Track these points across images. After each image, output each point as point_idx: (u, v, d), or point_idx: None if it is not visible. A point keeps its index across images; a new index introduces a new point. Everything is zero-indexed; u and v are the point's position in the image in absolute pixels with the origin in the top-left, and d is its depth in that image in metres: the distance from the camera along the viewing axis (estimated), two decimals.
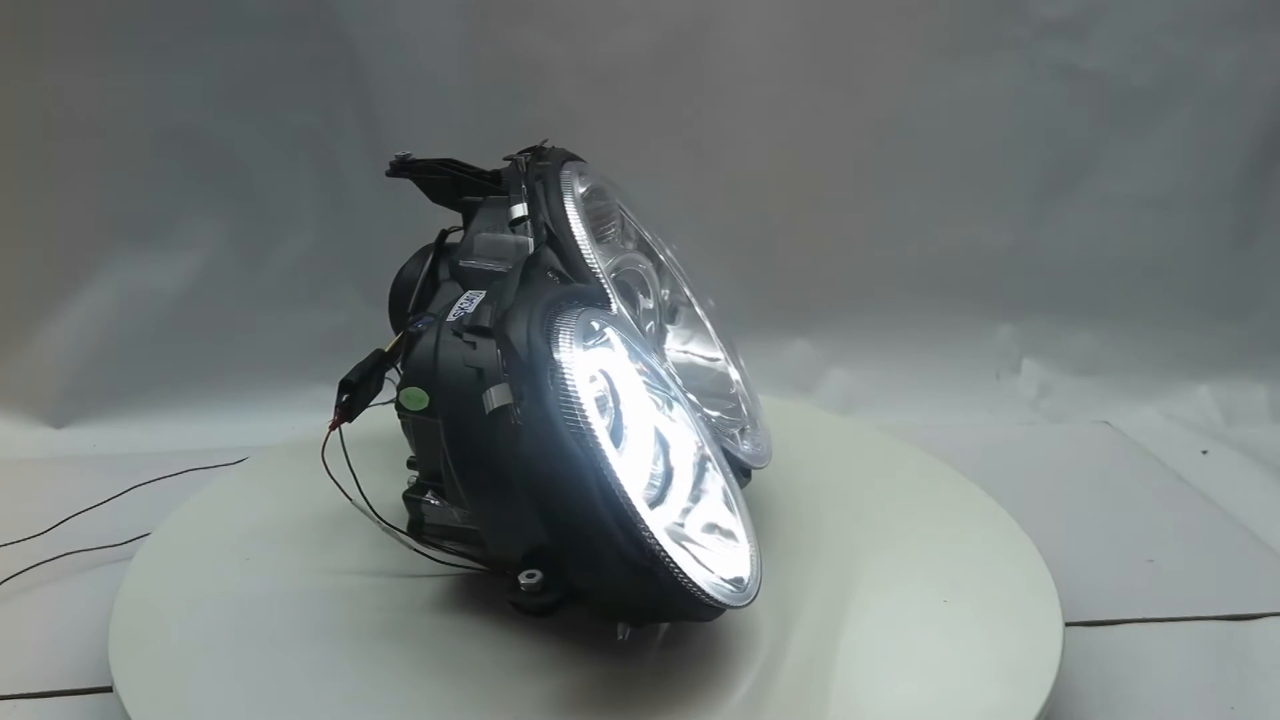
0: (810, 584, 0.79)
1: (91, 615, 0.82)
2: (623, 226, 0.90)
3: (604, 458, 0.61)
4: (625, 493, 0.61)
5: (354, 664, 0.71)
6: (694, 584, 0.62)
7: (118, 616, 0.75)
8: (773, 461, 0.87)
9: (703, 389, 0.89)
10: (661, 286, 0.92)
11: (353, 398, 0.72)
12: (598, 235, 0.87)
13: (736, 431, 0.85)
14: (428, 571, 0.79)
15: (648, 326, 0.89)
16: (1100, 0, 1.31)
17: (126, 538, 0.91)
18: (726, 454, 0.77)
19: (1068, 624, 0.76)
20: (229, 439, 1.12)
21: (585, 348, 0.66)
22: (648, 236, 0.92)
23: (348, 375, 0.72)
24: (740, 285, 1.33)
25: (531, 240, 0.77)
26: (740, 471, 0.80)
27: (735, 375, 0.91)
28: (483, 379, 0.65)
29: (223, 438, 1.14)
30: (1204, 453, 1.30)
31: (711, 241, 1.31)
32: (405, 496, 0.77)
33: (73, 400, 1.30)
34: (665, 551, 0.61)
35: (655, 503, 0.70)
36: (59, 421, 1.30)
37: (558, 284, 0.73)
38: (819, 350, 1.40)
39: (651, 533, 0.61)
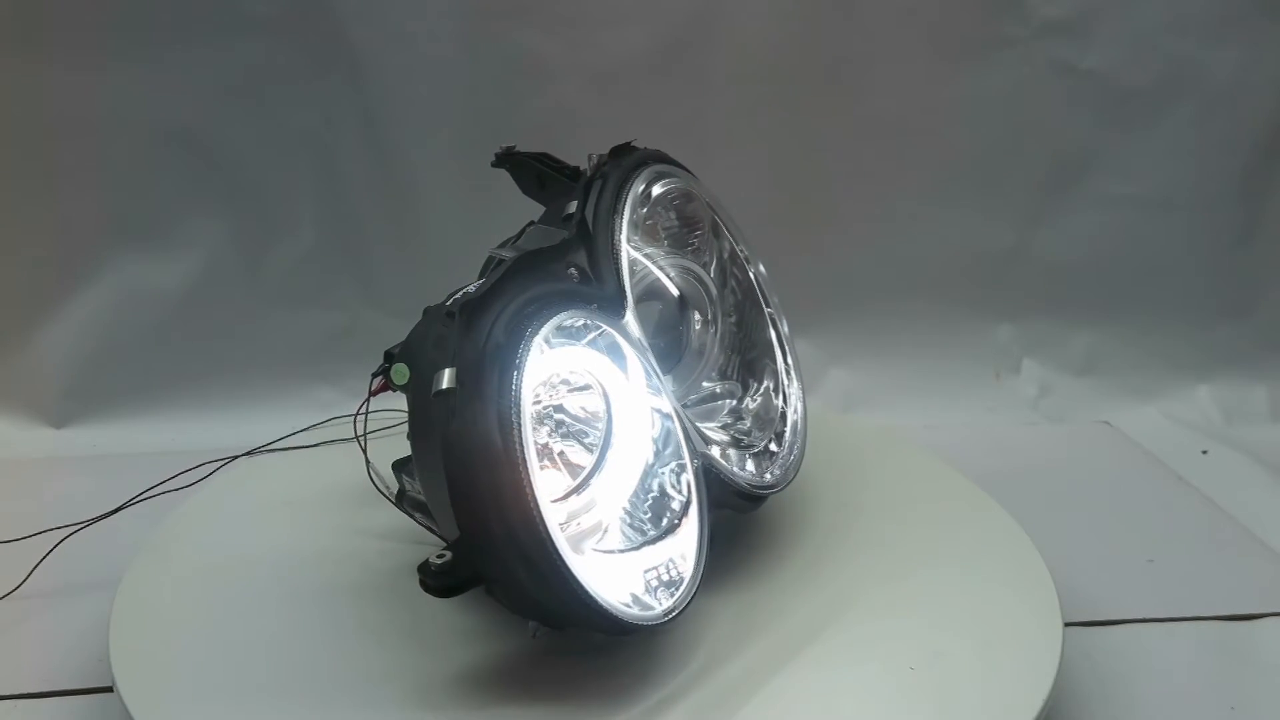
0: (792, 590, 0.79)
1: (91, 615, 0.82)
2: (716, 236, 0.88)
3: (523, 456, 0.60)
4: (536, 495, 0.60)
5: (344, 654, 0.72)
6: (591, 597, 0.62)
7: (118, 616, 0.74)
8: None
9: (750, 412, 0.87)
10: (727, 302, 0.89)
11: (391, 369, 0.72)
12: (681, 242, 0.86)
13: (749, 455, 0.83)
14: (432, 542, 0.80)
15: (693, 335, 0.87)
16: (1100, 0, 1.31)
17: (126, 536, 0.91)
18: (724, 478, 0.76)
19: (1068, 624, 0.76)
20: (229, 439, 1.12)
21: (554, 346, 0.66)
22: (742, 251, 0.89)
23: (392, 347, 0.72)
24: None
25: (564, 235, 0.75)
26: (741, 495, 0.78)
27: (780, 399, 0.88)
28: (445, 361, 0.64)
29: (223, 438, 1.14)
30: (1204, 453, 1.31)
31: None
32: (393, 466, 0.80)
33: (73, 400, 1.30)
34: (564, 561, 0.61)
35: (668, 531, 0.70)
36: (59, 421, 1.30)
37: (573, 280, 0.72)
38: (819, 350, 1.40)
39: (553, 538, 0.60)
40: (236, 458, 1.01)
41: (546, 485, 0.67)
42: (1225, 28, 1.32)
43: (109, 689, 0.69)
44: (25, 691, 0.80)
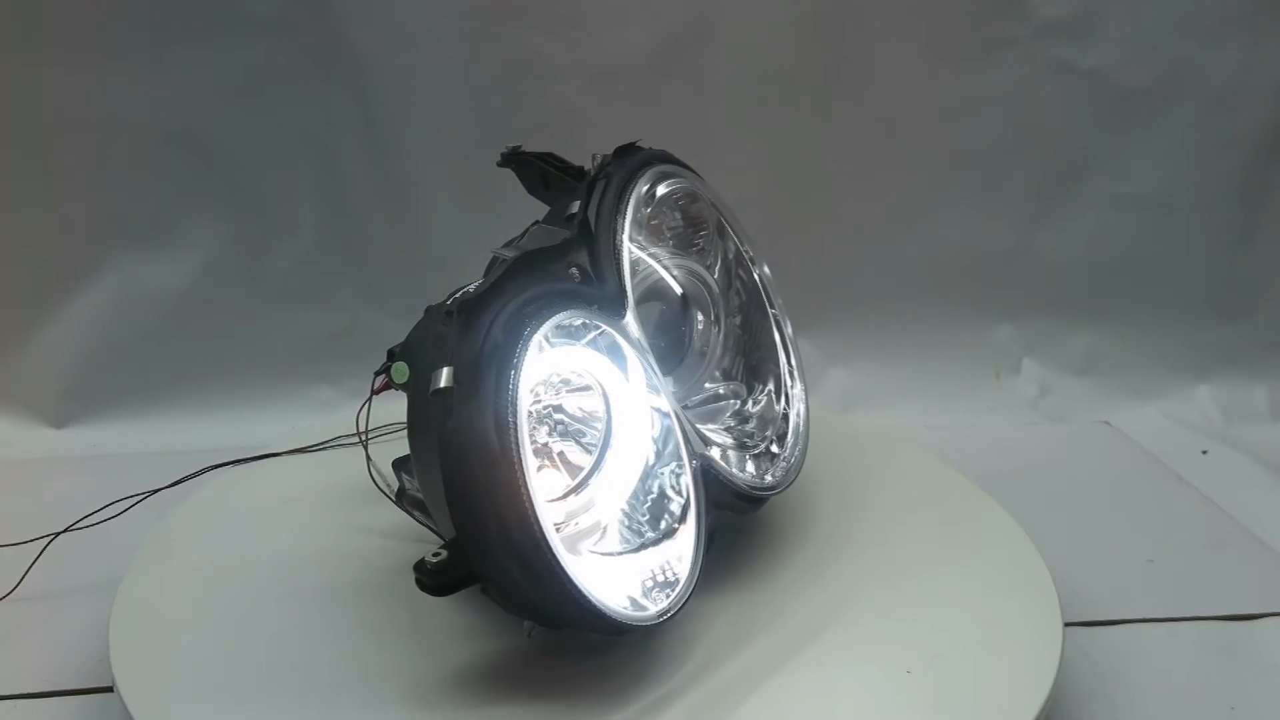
0: (791, 590, 0.79)
1: (91, 615, 0.82)
2: (721, 237, 0.88)
3: (519, 456, 0.60)
4: (531, 495, 0.60)
5: (343, 654, 0.72)
6: (585, 597, 0.62)
7: (118, 616, 0.74)
8: None
9: (754, 414, 0.87)
10: (732, 303, 0.89)
11: (391, 367, 0.72)
12: (686, 242, 0.86)
13: (749, 457, 0.83)
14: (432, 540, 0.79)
15: (696, 336, 0.87)
16: (1100, 0, 1.31)
17: (126, 536, 0.91)
18: (723, 479, 0.76)
19: (1068, 624, 0.76)
20: (229, 439, 1.12)
21: (554, 346, 0.66)
22: (747, 251, 0.89)
23: (395, 345, 0.72)
24: None
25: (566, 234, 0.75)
26: (741, 497, 0.78)
27: (783, 401, 0.87)
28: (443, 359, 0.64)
29: (223, 438, 1.14)
30: (1204, 453, 1.30)
31: None
32: (393, 464, 0.80)
33: (73, 400, 1.30)
34: (558, 561, 0.61)
35: (666, 535, 0.70)
36: (59, 421, 1.30)
37: (574, 280, 0.71)
38: (819, 350, 1.40)
39: (548, 538, 0.60)
40: (238, 463, 1.01)
41: (545, 485, 0.68)
42: (1225, 28, 1.32)
43: (109, 689, 0.69)
44: (25, 691, 0.80)
